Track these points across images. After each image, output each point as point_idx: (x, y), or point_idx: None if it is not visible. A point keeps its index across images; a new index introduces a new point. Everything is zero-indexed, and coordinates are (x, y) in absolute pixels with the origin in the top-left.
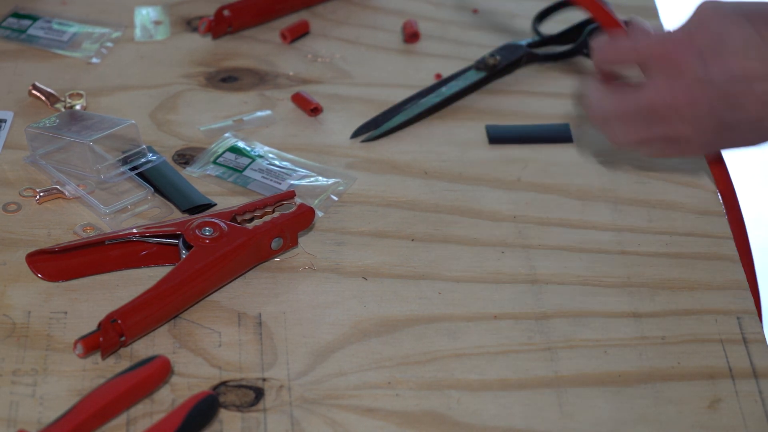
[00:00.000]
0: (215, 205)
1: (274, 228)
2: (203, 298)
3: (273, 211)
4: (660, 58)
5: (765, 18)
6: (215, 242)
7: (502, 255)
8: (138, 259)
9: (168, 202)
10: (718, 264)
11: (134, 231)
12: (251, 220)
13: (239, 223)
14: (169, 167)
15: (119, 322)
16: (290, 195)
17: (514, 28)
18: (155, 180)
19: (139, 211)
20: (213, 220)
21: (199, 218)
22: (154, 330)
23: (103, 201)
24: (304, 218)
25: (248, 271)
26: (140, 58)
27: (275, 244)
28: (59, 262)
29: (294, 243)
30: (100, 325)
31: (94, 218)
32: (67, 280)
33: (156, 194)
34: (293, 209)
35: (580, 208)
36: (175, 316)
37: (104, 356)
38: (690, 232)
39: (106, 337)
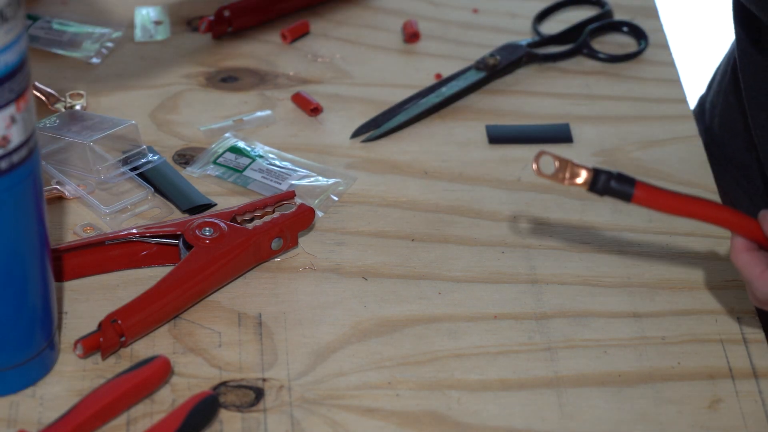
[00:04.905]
0: (215, 205)
1: (274, 228)
2: (203, 298)
3: (273, 212)
4: None
5: None
6: (215, 242)
7: (502, 255)
8: (138, 260)
9: (168, 202)
10: (718, 264)
11: (134, 231)
12: (251, 220)
13: (239, 223)
14: (169, 167)
15: (119, 322)
16: (290, 195)
17: (514, 28)
18: (155, 180)
19: (139, 211)
20: (213, 220)
21: (199, 218)
22: (154, 330)
23: (103, 201)
24: (304, 218)
25: (248, 271)
26: (140, 58)
27: (275, 244)
28: (59, 262)
29: (294, 243)
30: (100, 325)
31: (94, 218)
32: (67, 280)
33: (156, 194)
34: (293, 209)
35: (580, 208)
36: (176, 316)
37: (104, 356)
38: (690, 232)
39: (106, 338)
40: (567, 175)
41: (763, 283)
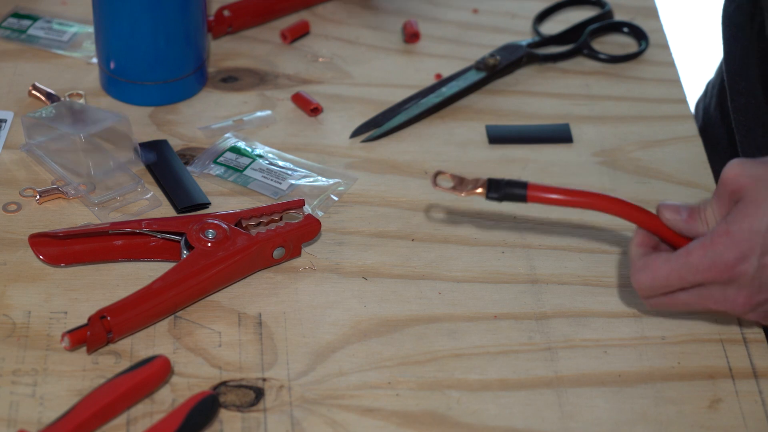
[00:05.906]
0: (210, 204)
1: (276, 237)
2: (200, 299)
3: (280, 219)
4: (712, 281)
5: None
6: (216, 246)
7: (502, 255)
8: (140, 252)
9: (156, 195)
10: None
11: (141, 223)
12: (257, 225)
13: (244, 228)
14: (176, 159)
15: (108, 318)
16: (299, 204)
17: (514, 28)
18: (159, 173)
19: (128, 202)
20: (218, 222)
21: (204, 219)
22: (144, 329)
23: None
24: (310, 230)
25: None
26: None
27: (277, 253)
28: (61, 247)
29: (297, 253)
30: (90, 319)
31: (94, 218)
32: (67, 264)
33: (146, 186)
34: (300, 219)
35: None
36: (174, 316)
37: (90, 351)
38: None
39: (93, 332)
40: (464, 187)
41: (633, 279)
